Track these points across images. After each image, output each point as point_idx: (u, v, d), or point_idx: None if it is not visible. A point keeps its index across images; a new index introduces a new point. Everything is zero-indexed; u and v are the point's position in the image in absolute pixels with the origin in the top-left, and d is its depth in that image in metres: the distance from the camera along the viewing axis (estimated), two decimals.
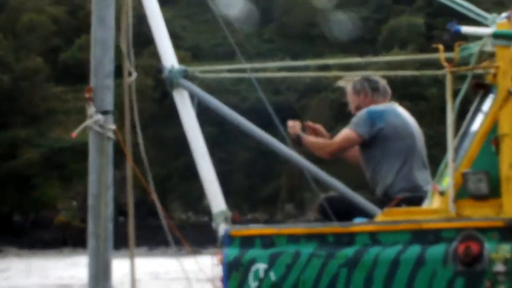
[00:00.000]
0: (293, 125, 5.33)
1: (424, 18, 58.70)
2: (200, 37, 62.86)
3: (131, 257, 5.01)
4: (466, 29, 3.90)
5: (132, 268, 5.05)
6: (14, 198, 51.92)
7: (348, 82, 5.56)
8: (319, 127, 5.59)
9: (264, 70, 5.16)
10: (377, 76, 5.51)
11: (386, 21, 64.16)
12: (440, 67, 3.94)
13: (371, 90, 5.35)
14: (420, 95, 48.79)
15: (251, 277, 4.06)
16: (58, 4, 67.03)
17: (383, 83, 5.43)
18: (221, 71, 4.97)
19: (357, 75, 5.66)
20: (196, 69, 4.69)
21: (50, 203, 52.01)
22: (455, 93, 3.77)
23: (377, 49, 59.51)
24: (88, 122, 4.50)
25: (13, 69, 54.43)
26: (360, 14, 67.60)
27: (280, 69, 5.62)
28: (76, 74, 52.96)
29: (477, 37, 3.93)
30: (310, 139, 5.31)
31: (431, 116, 48.19)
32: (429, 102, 49.84)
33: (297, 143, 5.24)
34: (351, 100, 5.55)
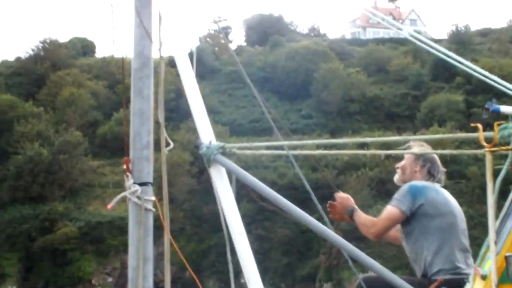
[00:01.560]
0: (347, 197, 5.26)
1: (464, 95, 58.20)
2: (238, 112, 63.38)
3: None
4: (505, 108, 3.79)
5: None
6: (50, 272, 51.18)
7: (416, 146, 5.31)
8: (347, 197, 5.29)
9: (302, 147, 5.09)
10: (439, 163, 5.30)
11: (425, 97, 63.78)
12: (480, 145, 3.82)
13: (427, 172, 5.25)
14: (460, 174, 47.64)
15: None
16: (97, 78, 69.09)
17: (442, 171, 5.30)
18: (259, 147, 4.89)
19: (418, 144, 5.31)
20: (234, 146, 4.54)
21: (86, 278, 50.67)
22: (496, 173, 3.65)
23: (416, 126, 59.73)
24: (125, 192, 4.42)
25: (52, 143, 55.10)
26: (399, 91, 68.06)
27: (318, 146, 5.56)
28: (114, 148, 53.73)
29: None
30: (362, 215, 5.16)
31: (471, 195, 46.96)
32: (469, 181, 48.84)
33: (349, 217, 5.18)
34: (406, 166, 5.41)
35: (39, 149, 53.73)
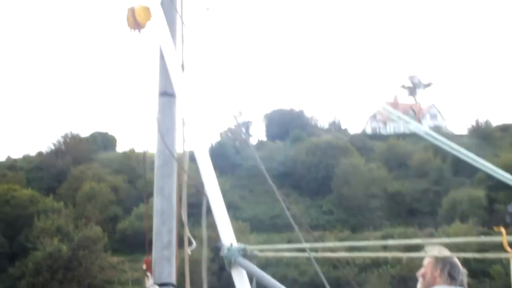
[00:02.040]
0: None
1: (485, 191, 57.38)
2: (258, 207, 63.01)
3: None
4: None
5: None
6: None
7: (434, 250, 5.23)
8: None
9: (323, 249, 5.06)
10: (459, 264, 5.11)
11: (446, 193, 62.85)
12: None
13: (448, 276, 5.20)
14: (483, 272, 45.58)
15: None
16: (118, 173, 69.51)
17: (463, 272, 5.19)
18: (280, 249, 4.83)
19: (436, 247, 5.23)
20: (255, 248, 4.50)
21: None
22: None
23: (437, 222, 58.79)
24: None
25: (72, 238, 54.53)
26: (420, 186, 67.31)
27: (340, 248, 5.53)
28: (134, 244, 52.84)
29: None
30: None
31: None
32: (493, 280, 46.83)
33: None
34: (426, 273, 5.33)
35: (58, 245, 53.18)
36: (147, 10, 4.41)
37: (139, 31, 4.42)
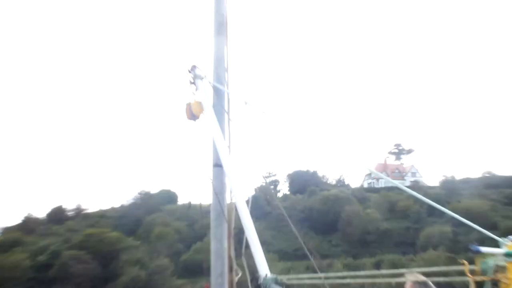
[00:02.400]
0: None
1: (451, 227, 56.57)
2: (284, 243, 62.27)
3: None
4: (484, 249, 3.67)
5: None
6: None
7: (413, 276, 5.04)
8: None
9: (334, 277, 4.95)
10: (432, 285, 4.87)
11: (422, 229, 63.26)
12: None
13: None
14: None
15: None
16: (180, 220, 70.26)
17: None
18: (302, 278, 4.75)
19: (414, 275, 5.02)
20: (284, 277, 4.43)
21: None
22: None
23: (416, 250, 58.66)
24: None
25: (148, 267, 55.38)
26: (403, 224, 67.95)
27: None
28: (194, 271, 52.84)
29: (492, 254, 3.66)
30: None
31: None
32: None
33: None
34: None
35: (138, 271, 53.80)
36: (199, 104, 4.27)
37: (195, 120, 4.27)
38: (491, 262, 3.45)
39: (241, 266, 4.99)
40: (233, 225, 4.55)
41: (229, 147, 4.40)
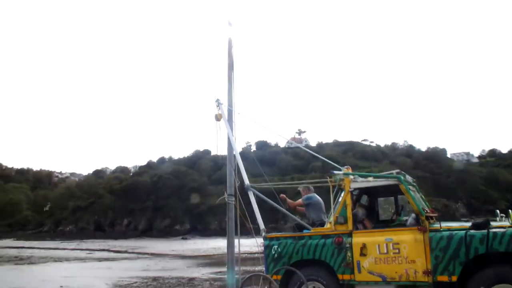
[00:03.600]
0: (283, 196, 7.89)
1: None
2: None
3: None
4: (336, 172, 7.14)
5: None
6: None
7: (304, 186, 8.13)
8: (284, 196, 7.96)
9: (281, 184, 8.46)
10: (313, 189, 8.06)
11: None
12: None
13: (309, 190, 8.05)
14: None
15: (272, 250, 7.05)
16: None
17: (313, 190, 8.08)
18: (263, 185, 8.48)
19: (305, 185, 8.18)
20: (255, 184, 7.51)
21: None
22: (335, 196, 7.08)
23: (307, 177, 64.64)
24: None
25: None
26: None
27: None
28: None
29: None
30: (288, 201, 7.99)
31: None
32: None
33: (283, 202, 7.86)
34: (302, 192, 8.09)
35: None
36: (220, 114, 7.64)
37: (219, 120, 7.68)
38: (338, 177, 7.20)
39: None
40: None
41: (235, 138, 7.63)
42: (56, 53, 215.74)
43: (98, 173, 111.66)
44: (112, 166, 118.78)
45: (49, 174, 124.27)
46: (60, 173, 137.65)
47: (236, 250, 7.13)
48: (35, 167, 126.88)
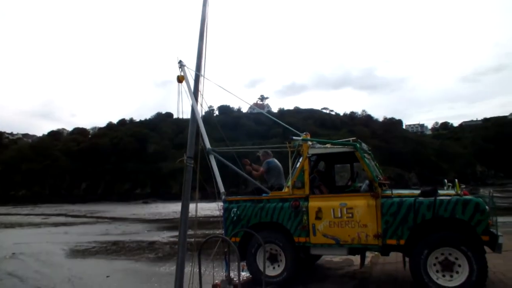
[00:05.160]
0: (247, 160, 8.03)
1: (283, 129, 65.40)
2: None
3: None
4: (295, 138, 7.18)
5: None
6: None
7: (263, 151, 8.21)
8: (247, 161, 8.09)
9: (240, 148, 8.64)
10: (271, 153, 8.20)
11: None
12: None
13: (268, 155, 8.11)
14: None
15: (232, 213, 7.26)
16: None
17: (271, 155, 8.15)
18: (224, 149, 7.86)
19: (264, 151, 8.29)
20: (216, 148, 7.46)
21: None
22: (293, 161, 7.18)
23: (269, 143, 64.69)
24: None
25: None
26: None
27: None
28: None
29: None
30: (248, 168, 7.99)
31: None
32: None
33: (244, 168, 7.93)
34: (261, 158, 8.19)
35: None
36: (182, 76, 7.29)
37: (181, 82, 7.24)
38: (296, 142, 7.30)
39: None
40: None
41: (200, 102, 7.40)
42: None
43: (54, 135, 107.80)
44: (69, 128, 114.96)
45: None
46: (11, 134, 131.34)
47: (193, 213, 7.12)
48: None
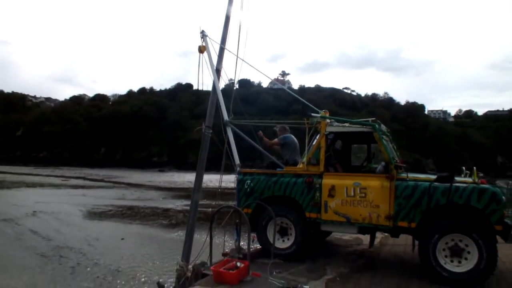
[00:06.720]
0: (261, 132, 7.88)
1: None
2: None
3: None
4: (314, 114, 7.03)
5: None
6: None
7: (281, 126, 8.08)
8: (261, 133, 7.94)
9: (257, 121, 8.77)
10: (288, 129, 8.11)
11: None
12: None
13: (286, 130, 8.02)
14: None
15: (245, 184, 7.22)
16: None
17: (288, 130, 8.05)
18: (242, 121, 7.69)
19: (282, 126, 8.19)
20: (234, 121, 7.52)
21: None
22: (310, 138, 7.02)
23: (288, 118, 66.73)
24: None
25: None
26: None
27: None
28: None
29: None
30: (265, 139, 7.89)
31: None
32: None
33: (260, 140, 7.82)
34: (278, 132, 8.08)
35: None
36: (204, 47, 7.31)
37: (203, 53, 7.34)
38: (315, 119, 7.10)
39: None
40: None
41: (219, 74, 7.42)
42: None
43: (75, 100, 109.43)
44: (90, 94, 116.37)
45: (22, 98, 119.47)
46: (34, 97, 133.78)
47: (215, 184, 7.22)
48: (6, 89, 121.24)
